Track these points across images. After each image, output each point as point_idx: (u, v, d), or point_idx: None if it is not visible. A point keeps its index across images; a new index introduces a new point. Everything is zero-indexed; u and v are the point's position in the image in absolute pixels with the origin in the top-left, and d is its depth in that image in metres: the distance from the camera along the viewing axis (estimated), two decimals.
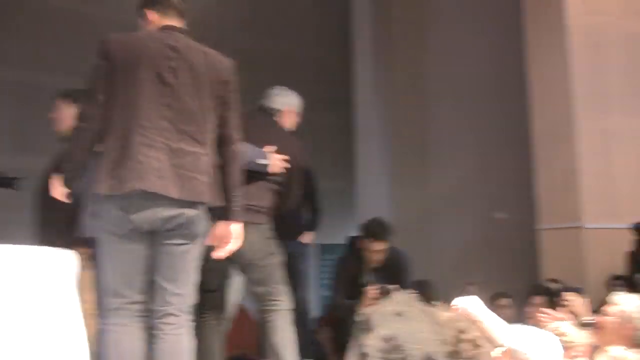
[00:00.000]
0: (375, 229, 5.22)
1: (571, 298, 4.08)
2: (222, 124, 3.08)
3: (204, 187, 2.95)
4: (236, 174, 3.12)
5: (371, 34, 8.98)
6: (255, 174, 3.94)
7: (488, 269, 6.87)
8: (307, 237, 5.81)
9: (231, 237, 3.15)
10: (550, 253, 6.11)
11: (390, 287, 4.98)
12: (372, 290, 5.04)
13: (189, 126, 2.96)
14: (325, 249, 8.92)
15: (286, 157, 4.00)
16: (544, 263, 6.17)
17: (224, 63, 3.14)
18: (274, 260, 4.06)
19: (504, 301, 6.24)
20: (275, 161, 3.98)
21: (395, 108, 8.82)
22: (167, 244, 2.96)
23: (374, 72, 8.89)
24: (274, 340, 3.91)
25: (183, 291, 2.99)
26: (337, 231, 8.69)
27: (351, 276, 5.47)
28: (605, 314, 3.37)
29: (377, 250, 5.29)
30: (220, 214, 3.11)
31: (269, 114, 4.30)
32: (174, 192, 2.87)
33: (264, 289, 4.02)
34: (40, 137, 4.82)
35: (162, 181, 2.86)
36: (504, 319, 3.00)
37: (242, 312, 6.56)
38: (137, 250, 2.94)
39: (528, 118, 6.59)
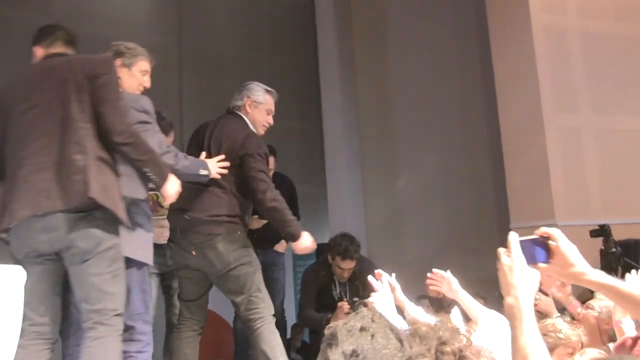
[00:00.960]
0: (343, 248, 5.17)
1: (537, 297, 4.04)
2: (98, 119, 3.10)
3: (86, 186, 2.98)
4: (132, 153, 3.16)
5: (335, 42, 8.94)
6: (203, 185, 3.97)
7: (460, 269, 6.78)
8: (281, 246, 5.73)
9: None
10: None
11: (364, 301, 4.92)
12: (345, 305, 4.98)
13: (66, 135, 3.03)
14: (298, 256, 8.82)
15: (222, 159, 4.00)
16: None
17: (94, 60, 3.21)
18: (247, 269, 4.01)
19: (478, 301, 6.22)
20: (213, 167, 3.96)
21: (361, 111, 8.77)
22: (70, 263, 3.04)
23: (339, 78, 8.83)
24: (263, 347, 3.90)
25: (100, 306, 3.03)
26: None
27: (321, 287, 5.40)
28: (586, 310, 3.36)
29: (346, 268, 5.25)
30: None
31: (231, 112, 4.32)
32: (60, 205, 2.94)
33: (242, 298, 3.99)
34: None
35: (49, 200, 2.95)
36: None
37: (218, 321, 6.47)
38: (39, 274, 3.07)
39: (496, 116, 6.57)
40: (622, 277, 5.22)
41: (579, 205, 6.14)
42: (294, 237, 4.08)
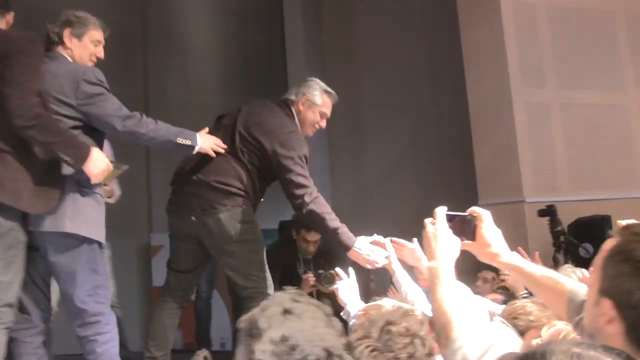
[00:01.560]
0: None
1: (507, 273, 3.96)
2: (2, 102, 3.03)
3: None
4: (37, 136, 3.07)
5: (302, 16, 8.76)
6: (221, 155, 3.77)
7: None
8: None
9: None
10: None
11: (327, 272, 4.81)
12: (310, 277, 4.85)
13: None
14: (265, 234, 8.67)
15: (218, 142, 3.78)
16: None
17: (6, 38, 3.14)
18: (249, 246, 3.82)
19: None
20: (207, 141, 3.71)
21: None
22: None
23: (306, 54, 8.68)
24: None
25: None
26: (275, 216, 8.48)
27: (285, 266, 5.24)
28: None
29: (312, 240, 5.10)
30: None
31: (281, 103, 4.10)
32: None
33: (240, 276, 3.83)
34: None
35: None
36: None
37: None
38: None
39: (464, 91, 6.47)
40: (566, 255, 5.24)
41: (547, 181, 6.09)
42: (344, 247, 3.82)
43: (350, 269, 3.39)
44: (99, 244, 3.32)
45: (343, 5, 8.71)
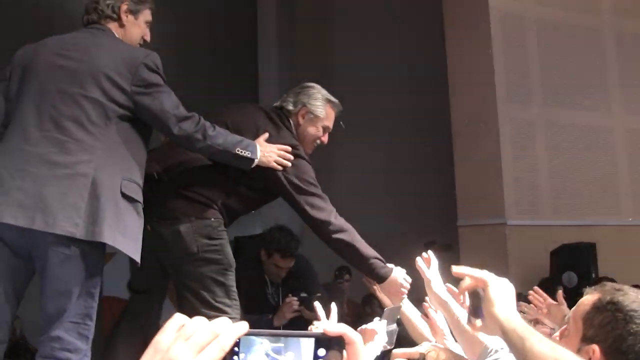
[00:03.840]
0: (284, 245, 4.45)
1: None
2: None
3: None
4: None
5: (275, 18, 8.49)
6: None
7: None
8: None
9: None
10: (471, 251, 5.71)
11: (313, 296, 4.38)
12: (292, 300, 4.39)
13: None
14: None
15: (283, 152, 3.19)
16: (464, 261, 5.76)
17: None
18: (206, 267, 3.15)
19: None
20: (269, 151, 3.13)
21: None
22: None
23: (279, 62, 8.41)
24: None
25: None
26: (239, 226, 8.10)
27: (250, 289, 4.72)
28: None
29: (285, 267, 4.62)
30: None
31: (276, 109, 3.49)
32: None
33: (194, 301, 3.13)
34: None
35: None
36: None
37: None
38: None
39: (446, 106, 6.18)
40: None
41: (530, 203, 5.81)
42: (380, 279, 3.27)
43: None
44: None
45: (318, 11, 8.43)
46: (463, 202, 5.92)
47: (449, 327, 2.82)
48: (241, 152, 3.00)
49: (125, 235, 2.64)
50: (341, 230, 3.27)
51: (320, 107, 3.51)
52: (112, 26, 2.94)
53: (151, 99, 2.78)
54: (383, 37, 7.53)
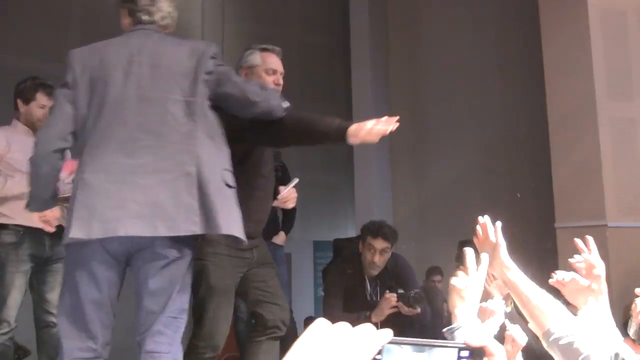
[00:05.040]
0: (376, 226, 4.48)
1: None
2: None
3: None
4: None
5: (367, 22, 8.44)
6: None
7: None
8: (279, 238, 5.21)
9: None
10: (570, 254, 5.49)
11: (410, 292, 4.32)
12: (390, 296, 4.35)
13: None
14: (318, 245, 8.35)
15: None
16: (563, 265, 5.56)
17: None
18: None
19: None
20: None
21: (393, 97, 8.28)
22: None
23: (371, 63, 8.33)
24: None
25: None
26: (332, 227, 8.12)
27: (348, 286, 4.73)
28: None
29: (380, 249, 4.55)
30: None
31: None
32: None
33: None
34: None
35: None
36: None
37: None
38: None
39: (543, 104, 5.98)
40: None
41: (632, 204, 5.54)
42: (340, 130, 2.94)
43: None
44: None
45: (409, 11, 8.34)
46: (561, 203, 5.72)
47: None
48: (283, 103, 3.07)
49: (237, 221, 2.75)
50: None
51: (252, 57, 3.47)
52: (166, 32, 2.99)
53: (232, 84, 2.86)
54: (476, 33, 7.38)
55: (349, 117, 8.22)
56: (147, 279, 2.72)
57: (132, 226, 2.58)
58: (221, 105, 2.87)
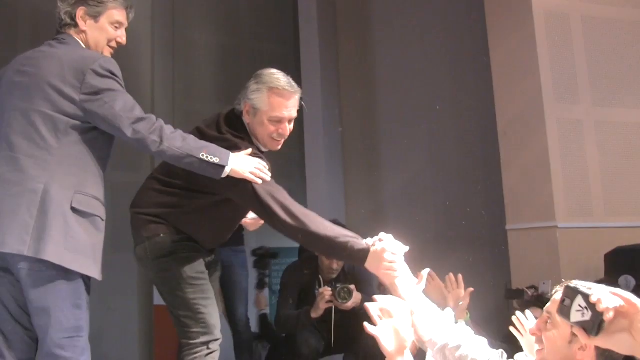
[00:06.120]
0: None
1: None
2: None
3: None
4: None
5: (317, 29, 8.42)
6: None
7: (446, 270, 6.27)
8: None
9: None
10: (521, 255, 5.57)
11: (345, 286, 4.38)
12: (324, 291, 4.40)
13: None
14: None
15: (261, 166, 2.96)
16: (514, 266, 5.62)
17: None
18: (164, 286, 3.19)
19: None
20: (247, 165, 2.88)
21: (344, 102, 8.27)
22: None
23: (321, 68, 8.32)
24: None
25: None
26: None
27: (303, 287, 4.79)
28: None
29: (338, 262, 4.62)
30: None
31: (228, 115, 3.27)
32: None
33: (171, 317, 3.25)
34: None
35: None
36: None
37: None
38: None
39: (491, 107, 6.04)
40: None
41: (581, 205, 5.62)
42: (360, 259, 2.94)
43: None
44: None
45: (359, 15, 8.36)
46: (511, 205, 5.78)
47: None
48: (207, 157, 2.77)
49: (76, 251, 2.55)
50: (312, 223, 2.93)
51: (258, 98, 3.12)
52: (73, 32, 2.86)
53: (100, 104, 2.65)
54: (425, 40, 7.42)
55: (299, 122, 8.25)
56: (25, 299, 2.60)
57: None
58: (94, 124, 2.70)
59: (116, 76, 2.74)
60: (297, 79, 8.49)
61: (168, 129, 2.75)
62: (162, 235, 3.09)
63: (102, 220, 2.71)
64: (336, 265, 4.69)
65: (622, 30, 6.03)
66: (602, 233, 5.37)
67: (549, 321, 1.95)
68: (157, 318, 6.68)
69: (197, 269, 3.16)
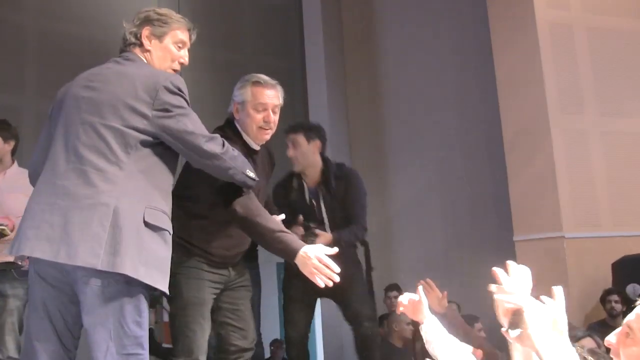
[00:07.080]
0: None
1: None
2: None
3: None
4: None
5: (323, 43, 8.49)
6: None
7: (456, 281, 6.29)
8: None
9: None
10: (529, 266, 5.56)
11: (313, 225, 4.17)
12: (296, 229, 4.00)
13: None
14: (282, 267, 8.30)
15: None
16: None
17: None
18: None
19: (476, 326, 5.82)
20: None
21: (351, 116, 8.33)
22: None
23: (328, 84, 8.38)
24: None
25: None
26: None
27: (292, 201, 4.42)
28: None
29: (293, 145, 4.40)
30: None
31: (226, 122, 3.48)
32: None
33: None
34: None
35: None
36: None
37: None
38: None
39: (497, 119, 6.07)
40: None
41: (588, 215, 5.64)
42: (288, 255, 3.00)
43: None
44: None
45: (365, 31, 8.42)
46: (519, 216, 5.80)
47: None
48: (249, 173, 2.96)
49: (149, 265, 2.55)
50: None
51: (243, 92, 3.38)
52: (138, 51, 2.89)
53: (175, 121, 2.69)
54: (432, 52, 7.48)
55: None
56: (84, 314, 2.57)
57: (38, 247, 2.47)
58: (165, 140, 2.73)
59: (185, 94, 2.79)
60: (304, 94, 8.62)
61: (231, 149, 2.88)
62: None
63: (170, 234, 2.72)
64: (295, 160, 4.45)
65: (626, 40, 6.07)
66: (609, 242, 5.40)
67: (629, 336, 1.75)
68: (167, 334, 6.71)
69: (193, 293, 3.26)
